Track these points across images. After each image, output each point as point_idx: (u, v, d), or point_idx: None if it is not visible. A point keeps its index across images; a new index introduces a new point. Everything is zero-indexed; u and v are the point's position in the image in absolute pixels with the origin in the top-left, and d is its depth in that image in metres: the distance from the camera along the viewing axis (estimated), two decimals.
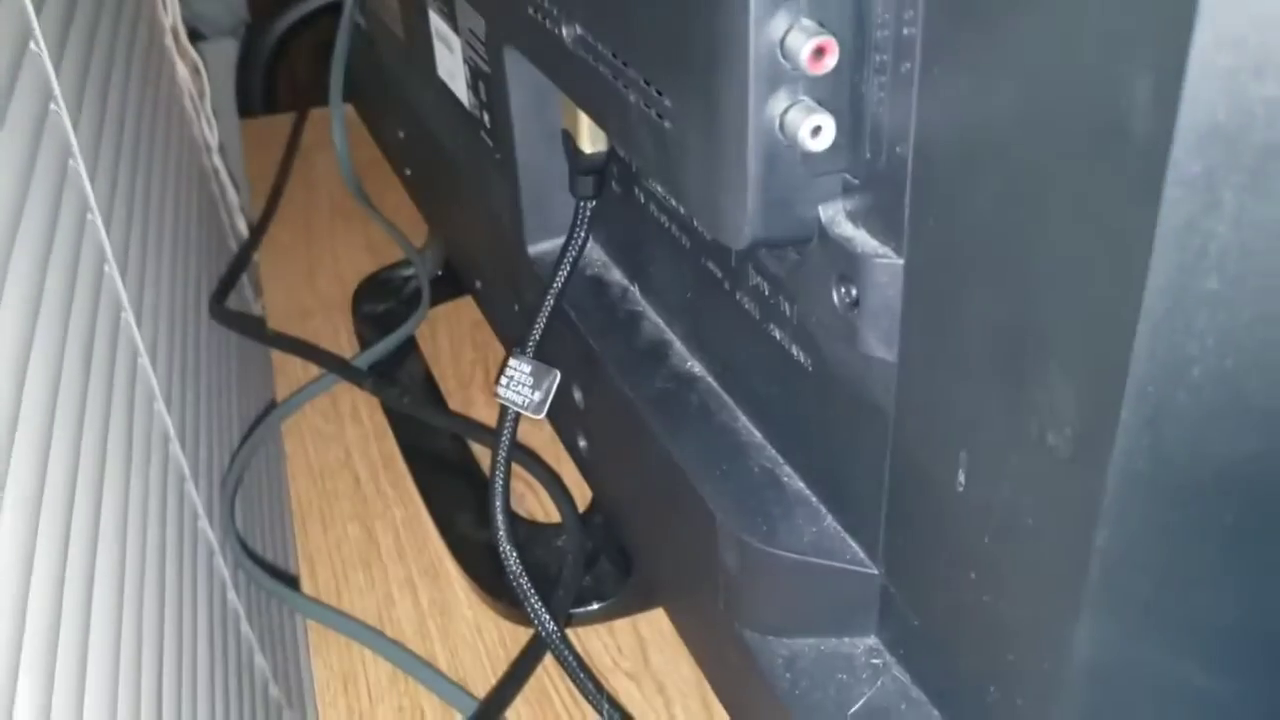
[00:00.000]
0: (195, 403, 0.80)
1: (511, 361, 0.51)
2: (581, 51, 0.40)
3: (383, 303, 0.83)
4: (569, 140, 0.48)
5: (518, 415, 0.52)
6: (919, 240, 0.30)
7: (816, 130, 0.31)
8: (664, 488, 0.44)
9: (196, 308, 0.87)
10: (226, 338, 0.95)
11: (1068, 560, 0.27)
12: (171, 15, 1.09)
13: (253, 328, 0.86)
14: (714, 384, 0.45)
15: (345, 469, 0.71)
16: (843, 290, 0.33)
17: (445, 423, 0.68)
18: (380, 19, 0.78)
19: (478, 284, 0.69)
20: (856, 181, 0.32)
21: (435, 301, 0.82)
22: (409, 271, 0.85)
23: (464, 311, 0.83)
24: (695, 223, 0.42)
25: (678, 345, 0.48)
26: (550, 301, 0.50)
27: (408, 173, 0.81)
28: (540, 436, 0.68)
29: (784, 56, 0.30)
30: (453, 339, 0.81)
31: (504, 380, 0.51)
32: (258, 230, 0.95)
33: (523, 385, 0.50)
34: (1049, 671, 0.29)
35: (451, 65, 0.61)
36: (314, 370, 0.77)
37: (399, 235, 0.86)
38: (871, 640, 0.38)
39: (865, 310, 0.32)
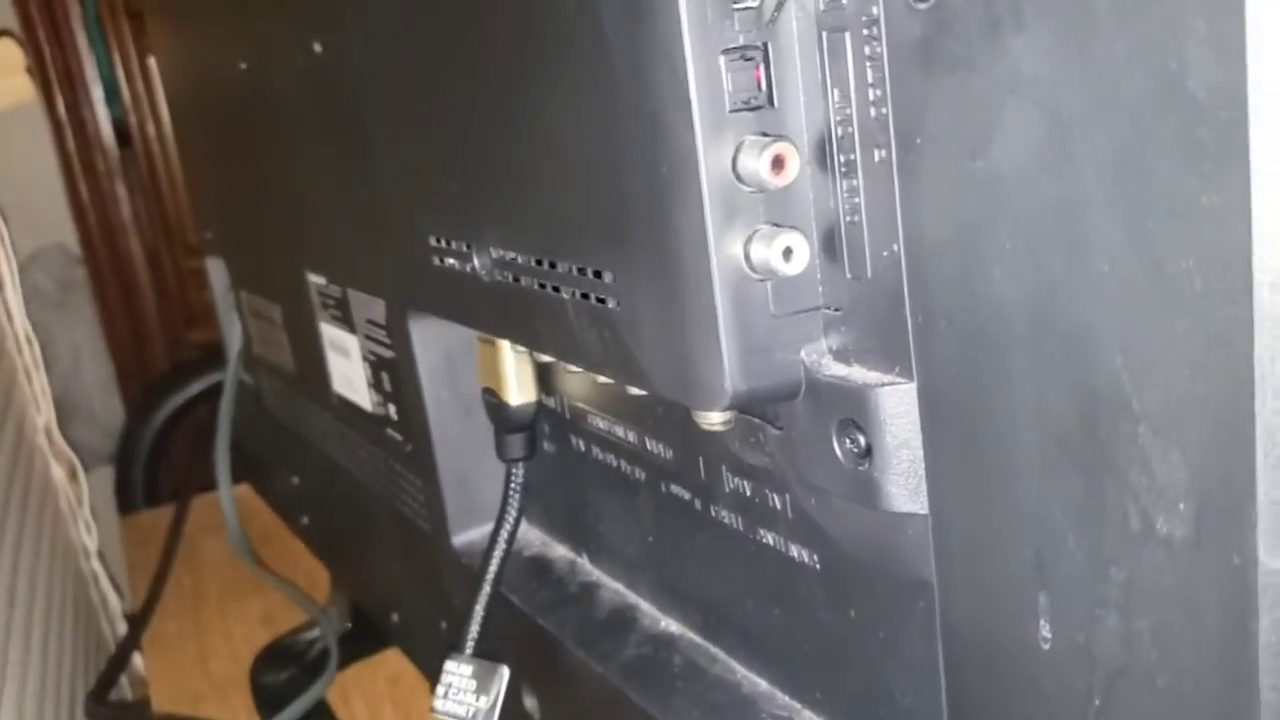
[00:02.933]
0: None
1: (448, 665, 0.43)
2: (500, 276, 0.36)
3: (284, 671, 0.74)
4: (492, 398, 0.43)
5: None
6: (931, 351, 0.25)
7: (788, 253, 0.27)
8: None
9: (71, 712, 0.75)
10: None
11: (1223, 669, 0.21)
12: (45, 415, 1.04)
13: (134, 716, 0.75)
14: (697, 639, 0.38)
15: None
16: (847, 442, 0.27)
17: None
18: (266, 364, 0.74)
19: (394, 617, 0.61)
20: (838, 312, 0.28)
21: (346, 661, 0.73)
22: (312, 634, 0.76)
23: (379, 668, 0.74)
24: (664, 399, 0.36)
25: (645, 607, 0.41)
26: (488, 585, 0.43)
27: (304, 521, 0.75)
28: None
29: (740, 179, 0.27)
30: (369, 701, 0.71)
31: (441, 691, 0.43)
32: (138, 622, 0.85)
33: (464, 692, 0.42)
34: None
35: (349, 371, 0.56)
36: None
37: (298, 594, 0.78)
38: None
39: (880, 456, 0.27)
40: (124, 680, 0.94)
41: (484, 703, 0.42)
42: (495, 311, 0.38)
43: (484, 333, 0.41)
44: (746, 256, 0.27)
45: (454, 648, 0.43)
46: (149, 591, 0.89)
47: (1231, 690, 0.21)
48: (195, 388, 1.17)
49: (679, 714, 0.35)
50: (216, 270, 0.80)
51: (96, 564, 1.08)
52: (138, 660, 0.86)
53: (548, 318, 0.34)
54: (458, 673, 0.42)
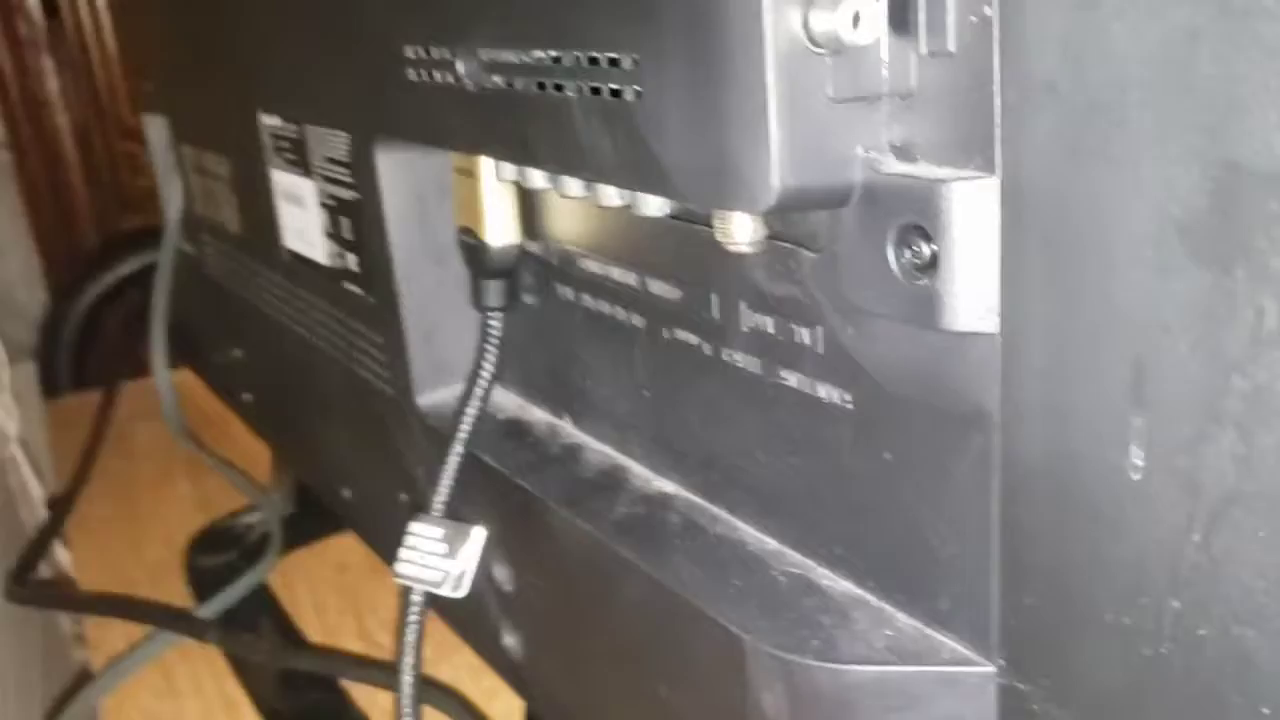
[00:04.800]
0: None
1: (414, 527, 0.39)
2: (490, 82, 0.32)
3: (222, 555, 0.70)
4: (469, 238, 0.39)
5: (426, 606, 0.40)
6: (1023, 134, 0.22)
7: (856, 18, 0.23)
8: (657, 634, 0.33)
9: None
10: (30, 622, 0.79)
11: None
12: None
13: (57, 597, 0.71)
14: (696, 499, 0.35)
15: None
16: (907, 253, 0.24)
17: (318, 664, 0.55)
18: (209, 225, 0.69)
19: (346, 494, 0.57)
20: (905, 99, 0.24)
21: (289, 546, 0.69)
22: (252, 518, 0.73)
23: (325, 555, 0.71)
24: (693, 208, 0.31)
25: (636, 468, 0.37)
26: (461, 440, 0.39)
27: (247, 398, 0.70)
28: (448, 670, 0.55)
29: None
30: (314, 588, 0.68)
31: (404, 555, 0.39)
32: (63, 503, 0.81)
33: (433, 556, 0.39)
34: None
35: (303, 222, 0.52)
36: (138, 638, 0.62)
37: (238, 475, 0.74)
38: None
39: (946, 266, 0.23)
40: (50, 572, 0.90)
41: (455, 566, 0.38)
42: (484, 126, 0.34)
43: (470, 152, 0.36)
44: (805, 23, 0.23)
45: (419, 510, 0.40)
46: (75, 473, 0.84)
47: None
48: (126, 268, 1.11)
49: (679, 571, 0.32)
50: (155, 128, 0.75)
51: (16, 449, 1.02)
52: (65, 555, 0.82)
53: (548, 124, 0.30)
54: (426, 534, 0.39)
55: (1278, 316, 0.18)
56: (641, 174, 0.27)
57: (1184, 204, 0.19)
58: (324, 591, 0.67)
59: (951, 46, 0.23)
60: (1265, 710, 0.20)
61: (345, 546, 0.71)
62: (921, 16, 0.23)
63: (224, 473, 0.75)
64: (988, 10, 0.22)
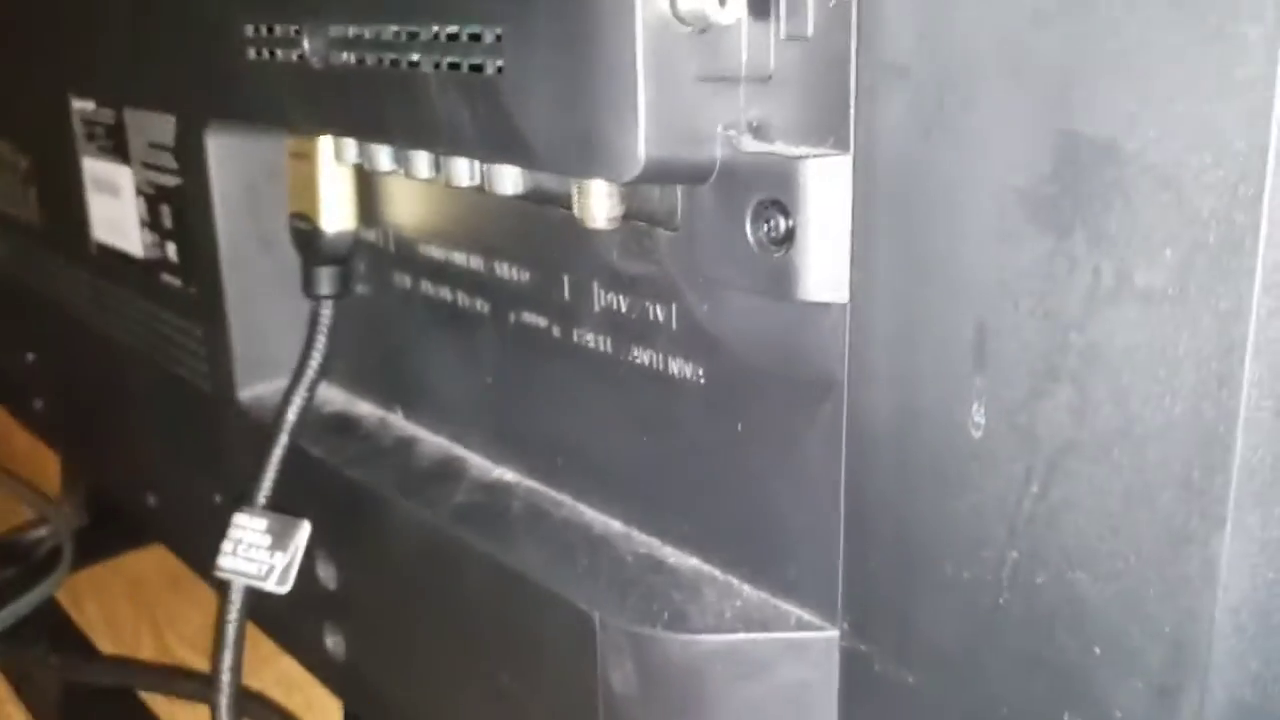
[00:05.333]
0: None
1: (238, 519, 0.38)
2: (339, 59, 0.32)
3: (6, 570, 0.65)
4: (303, 225, 0.38)
5: (246, 600, 0.38)
6: (877, 114, 0.23)
7: None
8: (499, 621, 0.32)
9: None
10: None
11: (1195, 426, 0.19)
12: None
13: None
14: (540, 486, 0.35)
15: None
16: (765, 227, 0.25)
17: (116, 676, 0.51)
18: (3, 221, 0.64)
19: (151, 501, 0.54)
20: (764, 81, 0.25)
21: (81, 561, 0.65)
22: (39, 533, 0.68)
23: (120, 571, 0.67)
24: (556, 179, 0.31)
25: (475, 459, 0.37)
26: (287, 429, 0.38)
27: (38, 406, 0.66)
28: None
29: None
30: (108, 604, 0.64)
31: (228, 547, 0.37)
32: None
33: (257, 549, 0.37)
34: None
35: (116, 213, 0.49)
36: None
37: (21, 486, 0.69)
38: None
39: (802, 239, 0.24)
40: None
41: (280, 559, 0.37)
42: (331, 105, 0.33)
43: (315, 133, 0.36)
44: (673, 1, 0.24)
45: (243, 502, 0.38)
46: None
47: (1204, 449, 0.19)
48: None
49: (522, 554, 0.31)
50: None
51: None
52: None
53: (401, 101, 0.30)
54: (249, 527, 0.37)
55: (1113, 276, 0.20)
56: (504, 147, 0.27)
57: (1027, 174, 0.21)
58: (119, 607, 0.64)
59: (809, 31, 0.24)
60: (1097, 650, 0.22)
61: (142, 562, 0.67)
62: (782, 1, 0.24)
63: (6, 485, 0.70)
64: None
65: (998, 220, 0.22)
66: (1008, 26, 0.21)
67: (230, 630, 0.37)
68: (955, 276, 0.22)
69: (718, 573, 0.29)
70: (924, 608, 0.25)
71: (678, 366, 0.29)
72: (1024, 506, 0.22)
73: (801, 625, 0.27)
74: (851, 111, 0.23)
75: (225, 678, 0.37)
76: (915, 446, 0.24)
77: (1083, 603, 0.22)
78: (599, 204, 0.27)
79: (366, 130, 0.32)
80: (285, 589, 0.37)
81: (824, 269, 0.24)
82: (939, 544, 0.24)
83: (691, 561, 0.30)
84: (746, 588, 0.29)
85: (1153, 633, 0.21)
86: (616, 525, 0.32)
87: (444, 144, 0.29)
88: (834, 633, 0.27)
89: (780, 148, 0.25)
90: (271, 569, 0.37)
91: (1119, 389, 0.20)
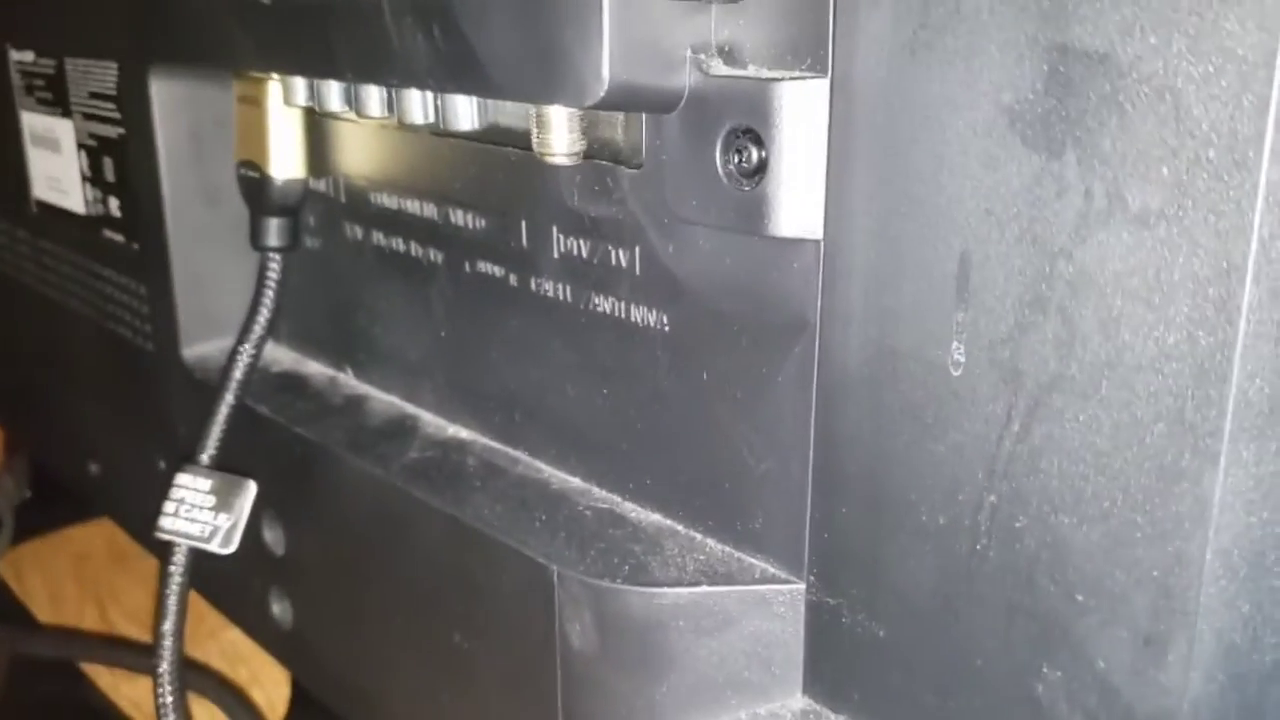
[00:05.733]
0: None
1: (180, 479, 0.36)
2: None
3: None
4: (251, 172, 0.37)
5: (189, 563, 0.36)
6: (858, 29, 0.22)
7: None
8: (452, 579, 0.31)
9: None
10: None
11: (1191, 355, 0.18)
12: None
13: None
14: (493, 443, 0.33)
15: None
16: (736, 157, 0.24)
17: (57, 648, 0.49)
18: None
19: (93, 468, 0.52)
20: (735, 1, 0.24)
21: (21, 535, 0.63)
22: None
23: (62, 546, 0.65)
24: (514, 115, 0.30)
25: (428, 417, 0.36)
26: (234, 386, 0.36)
27: None
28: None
29: None
30: (50, 578, 0.62)
31: (170, 508, 0.36)
32: None
33: (200, 509, 0.36)
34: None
35: (57, 168, 0.47)
36: None
37: None
38: (800, 702, 0.26)
39: (775, 168, 0.23)
40: None
41: (225, 520, 0.35)
42: (279, 40, 0.31)
43: (264, 70, 0.34)
44: None
45: (187, 461, 0.37)
46: None
47: (1198, 380, 0.18)
48: None
49: (479, 510, 0.30)
50: None
51: None
52: None
53: (354, 31, 0.28)
54: (192, 487, 0.36)
55: (1105, 197, 0.19)
56: (460, 73, 0.26)
57: (1016, 91, 0.20)
58: (62, 581, 0.61)
59: None
60: (1079, 597, 0.21)
61: (85, 536, 0.65)
62: None
63: None
64: None
65: (985, 142, 0.20)
66: None
67: (172, 596, 0.35)
68: (938, 205, 0.21)
69: (680, 527, 0.28)
70: (896, 557, 0.24)
71: (640, 314, 0.28)
72: (1004, 447, 0.21)
73: (766, 578, 0.26)
74: (830, 30, 0.22)
75: (167, 643, 0.35)
76: (890, 388, 0.23)
77: (1065, 547, 0.21)
78: (559, 137, 0.26)
79: (317, 66, 0.31)
80: (230, 550, 0.35)
81: (797, 202, 0.23)
82: (913, 489, 0.23)
83: (653, 516, 0.29)
84: (710, 541, 0.27)
85: (1139, 578, 0.20)
86: (575, 481, 0.31)
87: (398, 75, 0.28)
88: (800, 585, 0.26)
89: (753, 71, 0.24)
90: (216, 530, 0.35)
91: (1108, 319, 0.19)
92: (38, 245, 0.52)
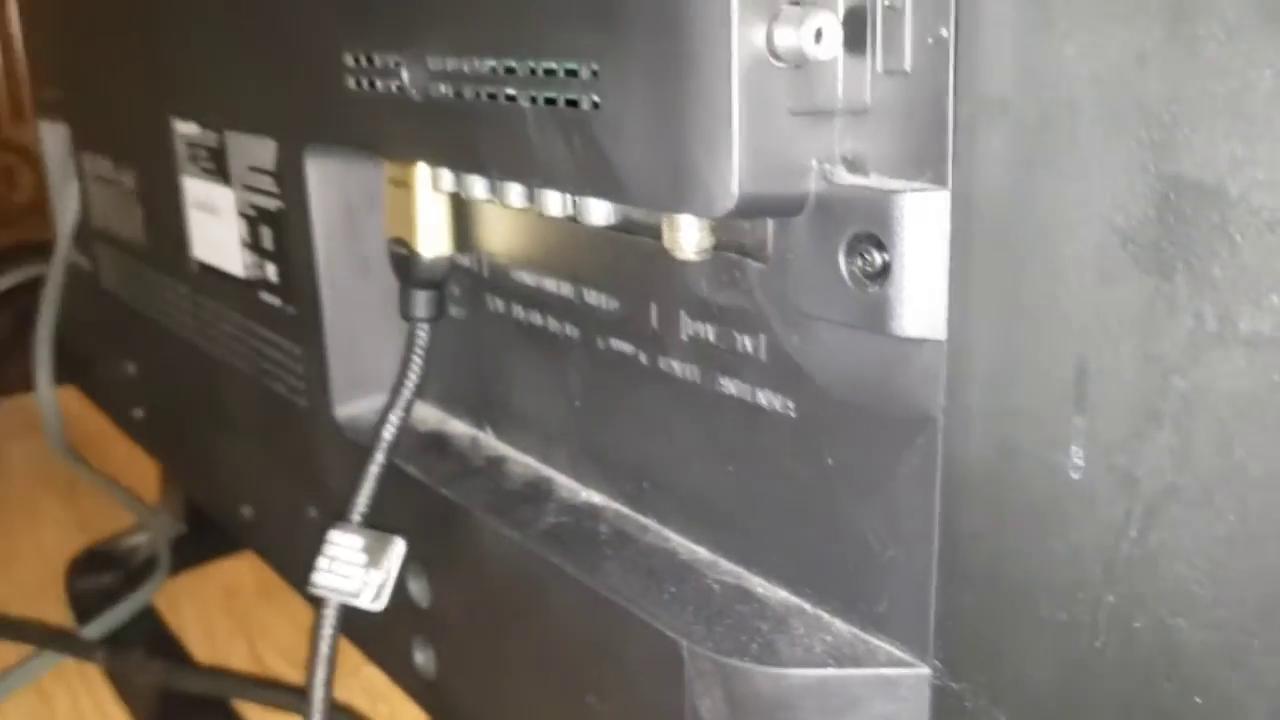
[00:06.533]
0: None
1: (333, 535, 0.38)
2: (437, 92, 0.32)
3: (104, 576, 0.67)
4: (400, 250, 0.39)
5: (340, 617, 0.39)
6: (976, 149, 0.23)
7: (819, 34, 0.24)
8: (586, 643, 0.33)
9: None
10: None
11: None
12: None
13: None
14: (624, 509, 0.35)
15: None
16: (859, 260, 0.25)
17: (212, 685, 0.53)
18: (108, 238, 0.67)
19: (246, 512, 0.56)
20: (858, 115, 0.25)
21: (176, 569, 0.67)
22: (137, 540, 0.70)
23: (213, 578, 0.69)
24: (646, 213, 0.32)
25: (561, 479, 0.38)
26: (384, 448, 0.39)
27: (138, 415, 0.68)
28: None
29: None
30: (202, 611, 0.66)
31: (323, 564, 0.38)
32: None
33: (351, 566, 0.38)
34: None
35: (217, 233, 0.51)
36: (12, 661, 0.59)
37: (125, 495, 0.71)
38: None
39: (898, 273, 0.24)
40: None
41: (375, 577, 0.38)
42: (427, 135, 0.34)
43: (411, 161, 0.36)
44: (770, 38, 0.24)
45: (339, 519, 0.39)
46: None
47: None
48: (4, 282, 1.06)
49: (610, 578, 0.32)
50: (53, 137, 0.73)
51: None
52: None
53: (497, 133, 0.31)
54: (344, 544, 0.38)
55: (1216, 320, 0.20)
56: (596, 181, 0.28)
57: (1129, 215, 0.21)
58: (213, 615, 0.65)
59: (907, 66, 0.24)
60: (1198, 699, 0.21)
61: (236, 570, 0.69)
62: (879, 36, 0.24)
63: (110, 491, 0.73)
64: (944, 32, 0.23)
65: (1098, 260, 0.21)
66: (1110, 64, 0.21)
67: (324, 647, 0.38)
68: (1055, 315, 0.22)
69: (807, 605, 0.29)
70: (1018, 647, 0.25)
71: (766, 398, 0.29)
72: (1122, 549, 0.22)
73: (892, 661, 0.27)
74: (949, 145, 0.23)
75: (319, 693, 0.38)
76: (1012, 485, 0.24)
77: (1182, 650, 0.21)
78: (688, 236, 0.28)
79: (462, 161, 0.33)
80: (380, 607, 0.38)
81: (920, 304, 0.24)
82: (1034, 583, 0.24)
83: (780, 593, 0.30)
84: (837, 621, 0.29)
85: (1257, 685, 0.20)
86: (703, 552, 0.32)
87: (538, 177, 0.30)
88: (925, 670, 0.27)
89: (875, 181, 0.25)
90: (366, 586, 0.38)
91: (1222, 434, 0.20)
92: (197, 301, 0.55)
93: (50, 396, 0.76)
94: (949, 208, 0.24)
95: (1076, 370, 0.22)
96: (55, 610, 0.66)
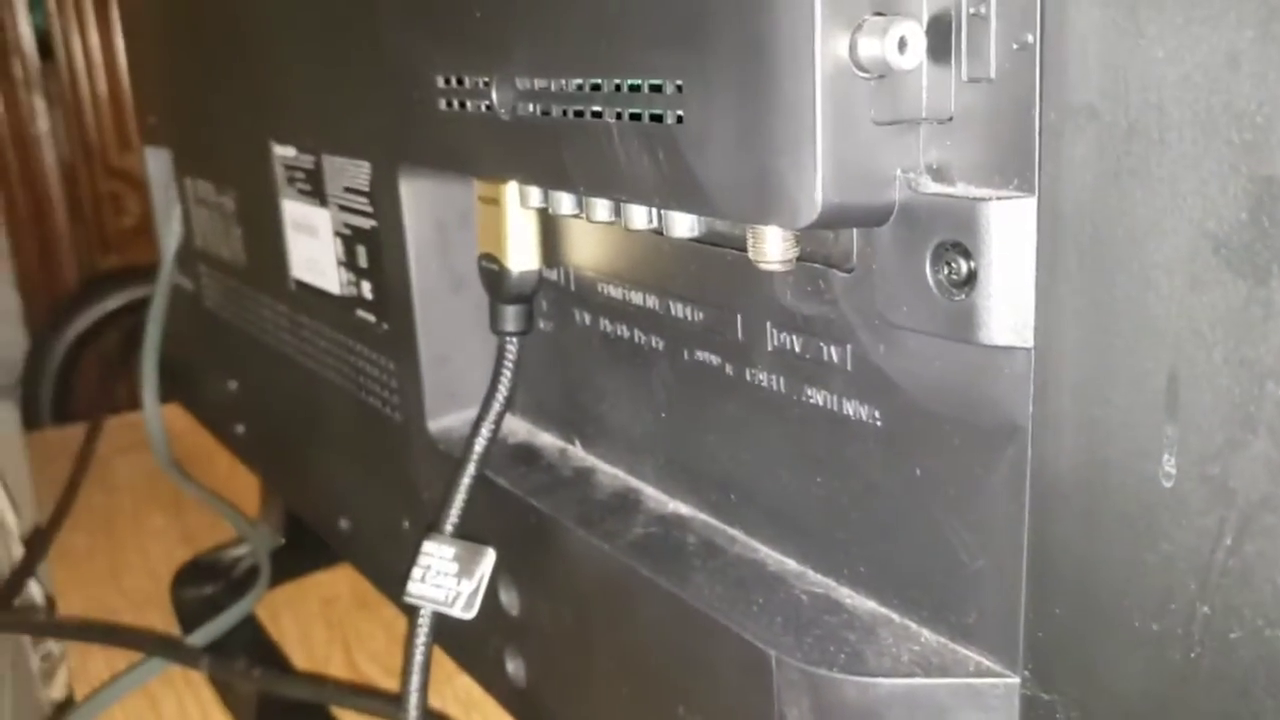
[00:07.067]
0: None
1: (427, 546, 0.39)
2: (525, 110, 0.33)
3: (208, 587, 0.69)
4: (491, 264, 0.40)
5: (433, 625, 0.40)
6: (1063, 156, 0.23)
7: (902, 44, 0.24)
8: (675, 653, 0.33)
9: None
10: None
11: None
12: None
13: (45, 624, 0.70)
14: (712, 520, 0.35)
15: None
16: (945, 269, 0.25)
17: (311, 692, 0.54)
18: (209, 259, 0.69)
19: (343, 524, 0.57)
20: (944, 123, 0.25)
21: (277, 580, 0.69)
22: (238, 551, 0.72)
23: (312, 590, 0.70)
24: (732, 225, 0.33)
25: (649, 491, 0.38)
26: (475, 460, 0.39)
27: (239, 430, 0.70)
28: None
29: None
30: (300, 621, 0.67)
31: (417, 574, 0.39)
32: (45, 534, 0.80)
33: (444, 575, 0.39)
34: None
35: (314, 252, 0.52)
36: (121, 667, 0.62)
37: (227, 508, 0.73)
38: None
39: (984, 282, 0.24)
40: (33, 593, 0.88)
41: (466, 586, 0.38)
42: (516, 153, 0.34)
43: (502, 178, 0.37)
44: (853, 48, 0.24)
45: (432, 529, 0.40)
46: (57, 505, 0.83)
47: None
48: (110, 305, 1.10)
49: (699, 589, 0.32)
50: (157, 161, 0.75)
51: None
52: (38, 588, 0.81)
53: (583, 149, 0.31)
54: (437, 554, 0.39)
55: None
56: (681, 194, 0.28)
57: (1221, 219, 0.20)
58: (311, 624, 0.67)
59: (992, 73, 0.24)
60: None
61: (332, 581, 0.70)
62: (963, 44, 0.24)
63: (213, 505, 0.75)
64: (1029, 38, 0.23)
65: (1190, 266, 0.21)
66: (1199, 67, 0.20)
67: (418, 655, 0.39)
68: (1146, 323, 0.22)
69: (894, 615, 0.29)
70: (1110, 658, 0.24)
71: (853, 408, 0.29)
72: (1216, 559, 0.22)
73: (981, 671, 0.27)
74: (1036, 153, 0.23)
75: (413, 699, 0.39)
76: (1103, 495, 0.24)
77: None
78: (773, 247, 0.28)
79: (550, 178, 0.33)
80: (471, 615, 0.39)
81: (1007, 312, 0.24)
82: (1127, 594, 0.23)
83: (868, 603, 0.30)
84: (925, 631, 0.28)
85: None
86: (790, 563, 0.32)
87: (623, 191, 0.30)
88: (1014, 680, 0.26)
89: (961, 189, 0.25)
90: (458, 595, 0.38)
91: None
92: (295, 319, 0.57)
93: (156, 414, 0.78)
94: (1035, 215, 0.24)
95: (1168, 378, 0.22)
96: (162, 619, 0.69)
